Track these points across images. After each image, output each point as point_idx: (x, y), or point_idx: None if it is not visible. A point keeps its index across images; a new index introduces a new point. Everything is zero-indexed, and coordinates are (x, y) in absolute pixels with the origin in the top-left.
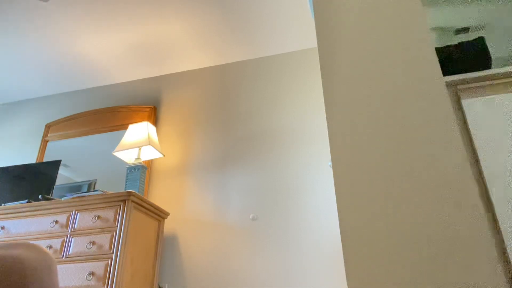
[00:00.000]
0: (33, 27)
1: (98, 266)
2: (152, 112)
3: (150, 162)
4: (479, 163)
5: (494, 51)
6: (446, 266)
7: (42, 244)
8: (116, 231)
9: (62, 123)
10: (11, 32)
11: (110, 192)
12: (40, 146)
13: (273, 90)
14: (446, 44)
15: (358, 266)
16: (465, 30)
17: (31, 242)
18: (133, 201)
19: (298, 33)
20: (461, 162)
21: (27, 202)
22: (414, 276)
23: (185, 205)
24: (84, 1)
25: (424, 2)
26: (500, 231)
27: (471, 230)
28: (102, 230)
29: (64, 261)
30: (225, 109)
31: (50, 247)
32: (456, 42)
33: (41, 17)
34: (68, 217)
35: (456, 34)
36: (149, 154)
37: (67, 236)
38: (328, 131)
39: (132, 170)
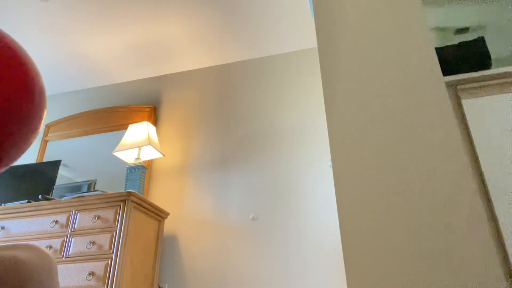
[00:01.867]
0: (32, 27)
1: (98, 266)
2: (152, 112)
3: (150, 162)
4: (479, 163)
5: (494, 51)
6: (446, 267)
7: (42, 244)
8: (116, 231)
9: (62, 123)
10: (11, 32)
11: (110, 192)
12: (40, 146)
13: (273, 90)
14: (446, 44)
15: (358, 266)
16: (465, 30)
17: (31, 242)
18: (133, 201)
19: (298, 33)
20: (461, 162)
21: (27, 202)
22: (414, 277)
23: (185, 205)
24: (84, 1)
25: (424, 2)
26: (501, 231)
27: (471, 231)
28: (102, 230)
29: (64, 261)
30: (225, 109)
31: (50, 247)
32: (456, 42)
33: (41, 17)
34: (68, 217)
35: (456, 34)
36: (149, 154)
37: (67, 236)
38: (328, 131)
39: (132, 170)
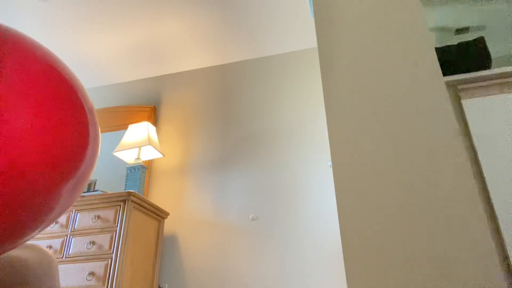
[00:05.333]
0: (32, 27)
1: (98, 266)
2: (152, 112)
3: (150, 162)
4: (479, 163)
5: (494, 51)
6: (446, 267)
7: (42, 244)
8: (116, 231)
9: None
10: None
11: (110, 192)
12: None
13: (273, 90)
14: (446, 44)
15: (358, 266)
16: (465, 30)
17: (31, 242)
18: (133, 201)
19: (298, 33)
20: (461, 162)
21: None
22: (414, 277)
23: (185, 205)
24: (84, 1)
25: (424, 2)
26: (501, 231)
27: (471, 231)
28: (102, 230)
29: (64, 261)
30: (225, 109)
31: (50, 247)
32: (456, 42)
33: (40, 17)
34: (68, 217)
35: (456, 34)
36: (149, 154)
37: (67, 236)
38: (328, 131)
39: (132, 170)
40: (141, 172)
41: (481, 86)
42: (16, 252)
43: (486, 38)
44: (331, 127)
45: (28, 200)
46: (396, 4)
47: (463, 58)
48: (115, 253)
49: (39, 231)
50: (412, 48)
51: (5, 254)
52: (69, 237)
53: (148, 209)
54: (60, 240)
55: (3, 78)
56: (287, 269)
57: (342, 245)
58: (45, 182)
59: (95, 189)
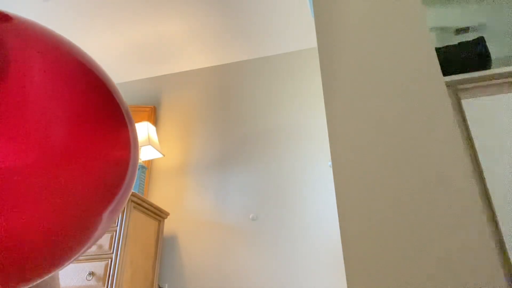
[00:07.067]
0: None
1: (98, 266)
2: (152, 112)
3: (150, 162)
4: (479, 163)
5: (494, 51)
6: (446, 268)
7: None
8: (116, 231)
9: None
10: None
11: None
12: None
13: (272, 90)
14: (446, 44)
15: (358, 266)
16: (465, 30)
17: None
18: (133, 201)
19: (298, 33)
20: (461, 162)
21: None
22: (414, 277)
23: (185, 205)
24: (84, 1)
25: (424, 2)
26: (501, 231)
27: (471, 231)
28: None
29: None
30: (225, 109)
31: None
32: (456, 42)
33: (40, 17)
34: None
35: (456, 34)
36: (149, 154)
37: None
38: (328, 131)
39: None
40: (141, 172)
41: (481, 86)
42: None
43: (486, 38)
44: (331, 127)
45: (67, 226)
46: (396, 4)
47: (463, 58)
48: (115, 253)
49: (78, 256)
50: (412, 48)
51: None
52: None
53: (148, 209)
54: None
55: (27, 79)
56: (287, 269)
57: (342, 245)
58: (86, 203)
59: None
